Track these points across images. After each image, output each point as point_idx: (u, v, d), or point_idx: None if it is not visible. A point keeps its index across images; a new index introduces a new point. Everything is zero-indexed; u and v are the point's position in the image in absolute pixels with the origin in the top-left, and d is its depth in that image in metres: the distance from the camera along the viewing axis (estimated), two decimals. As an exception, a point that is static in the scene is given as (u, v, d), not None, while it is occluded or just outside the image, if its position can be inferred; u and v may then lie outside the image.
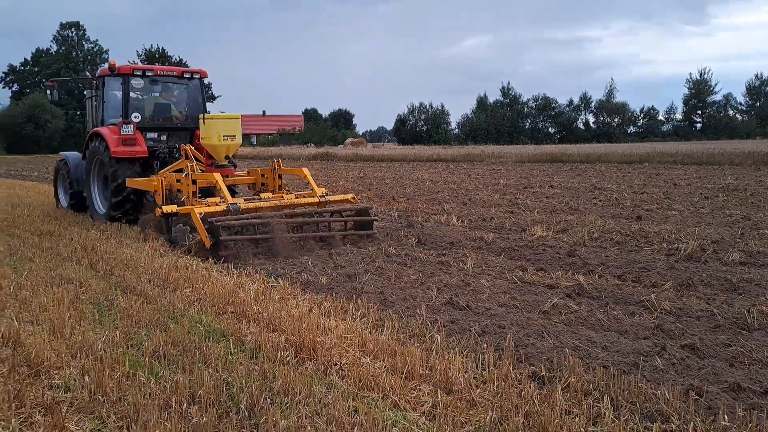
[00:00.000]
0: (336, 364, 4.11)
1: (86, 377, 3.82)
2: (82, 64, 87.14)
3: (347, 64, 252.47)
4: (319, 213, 8.86)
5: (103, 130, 10.64)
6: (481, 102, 77.12)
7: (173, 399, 3.52)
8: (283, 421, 3.26)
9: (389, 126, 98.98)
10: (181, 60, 60.19)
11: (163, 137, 11.27)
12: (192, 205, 8.41)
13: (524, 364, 4.13)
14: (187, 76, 11.63)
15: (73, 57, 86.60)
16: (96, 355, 4.19)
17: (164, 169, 10.00)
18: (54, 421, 3.30)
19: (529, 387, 3.68)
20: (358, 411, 3.43)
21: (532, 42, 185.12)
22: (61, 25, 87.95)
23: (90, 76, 12.51)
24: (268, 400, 3.53)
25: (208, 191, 9.37)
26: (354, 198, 9.70)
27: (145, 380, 3.83)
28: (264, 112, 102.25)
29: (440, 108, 75.73)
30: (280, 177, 10.25)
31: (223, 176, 9.21)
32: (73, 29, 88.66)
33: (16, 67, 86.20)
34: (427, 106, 75.72)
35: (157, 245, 8.25)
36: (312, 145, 60.07)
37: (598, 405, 3.50)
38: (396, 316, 5.10)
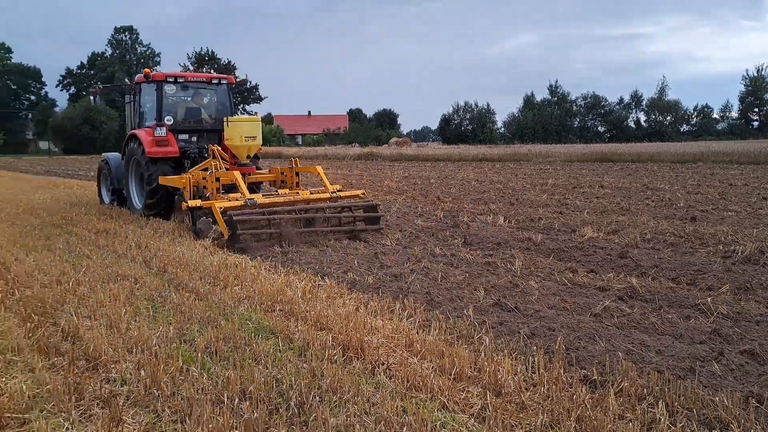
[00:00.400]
0: (383, 364, 4.12)
1: (142, 371, 3.93)
2: (135, 67, 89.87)
3: (391, 64, 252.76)
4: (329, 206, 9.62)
5: (140, 133, 11.53)
6: (528, 101, 76.19)
7: (225, 394, 3.59)
8: (332, 419, 3.29)
9: (434, 126, 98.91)
10: (229, 62, 61.44)
11: (194, 138, 12.00)
12: (215, 200, 9.04)
13: (575, 367, 4.06)
14: (215, 81, 12.45)
15: (126, 60, 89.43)
16: (151, 350, 4.30)
17: (193, 168, 10.58)
18: (111, 414, 3.40)
19: (581, 391, 3.61)
20: (406, 411, 3.42)
21: (580, 39, 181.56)
22: (116, 29, 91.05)
23: (129, 83, 13.43)
24: (317, 398, 3.56)
25: (233, 187, 9.89)
26: (364, 194, 10.58)
27: (197, 375, 3.91)
28: (309, 112, 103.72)
29: (486, 107, 75.17)
30: (297, 174, 11.06)
31: (244, 174, 10.10)
32: (126, 33, 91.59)
33: (73, 70, 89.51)
34: (473, 105, 75.28)
35: (207, 243, 8.44)
36: (356, 144, 60.36)
37: (653, 410, 3.40)
38: (443, 317, 5.07)
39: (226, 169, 10.02)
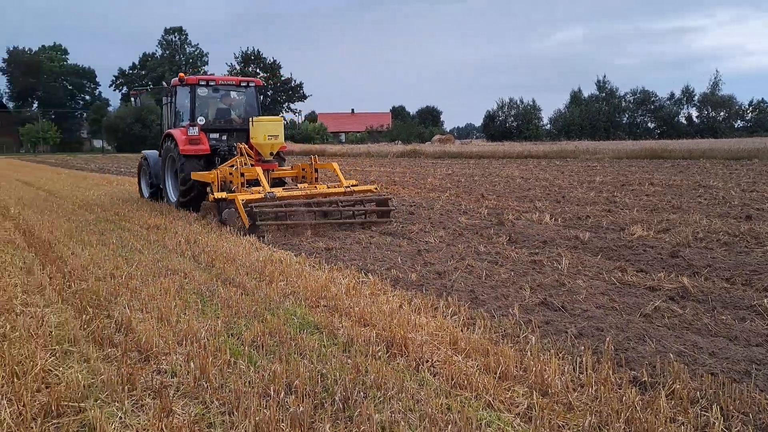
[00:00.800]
0: (427, 361, 4.11)
1: (191, 363, 4.01)
2: (184, 67, 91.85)
3: (435, 61, 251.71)
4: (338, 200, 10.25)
5: (174, 132, 12.52)
6: (575, 96, 74.59)
7: (272, 388, 3.63)
8: (376, 415, 3.29)
9: (477, 122, 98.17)
10: (274, 61, 62.24)
11: (224, 137, 12.90)
12: (238, 193, 9.82)
13: (624, 368, 3.97)
14: (244, 84, 13.40)
15: (176, 60, 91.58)
16: (200, 343, 4.39)
17: (222, 164, 11.38)
18: (162, 405, 3.48)
19: (630, 392, 3.53)
20: (451, 409, 3.41)
21: (629, 34, 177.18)
22: (166, 30, 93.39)
23: (166, 86, 14.33)
24: (362, 394, 3.58)
25: (258, 181, 10.53)
26: (376, 188, 11.34)
27: (245, 368, 3.98)
28: (353, 110, 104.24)
29: (531, 103, 73.97)
30: (316, 170, 11.64)
31: (268, 170, 11.08)
32: (176, 34, 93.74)
33: (126, 70, 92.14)
34: (518, 101, 74.17)
35: (253, 239, 8.58)
36: (399, 142, 60.33)
37: (707, 414, 3.30)
38: (488, 315, 5.03)
39: (252, 165, 10.76)
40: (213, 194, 10.32)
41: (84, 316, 5.13)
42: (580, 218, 10.20)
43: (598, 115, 69.95)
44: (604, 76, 77.03)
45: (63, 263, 7.19)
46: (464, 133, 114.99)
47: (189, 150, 11.96)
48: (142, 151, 15.80)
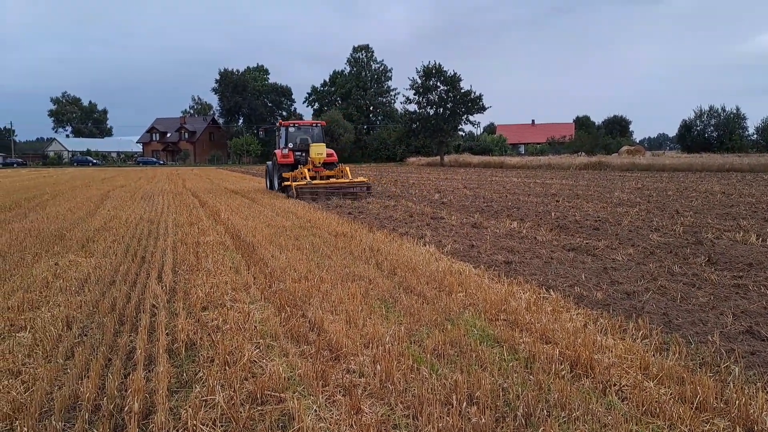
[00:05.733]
0: (615, 385, 3.92)
1: (377, 366, 4.23)
2: (370, 83, 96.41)
3: (624, 68, 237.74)
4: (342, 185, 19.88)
5: (277, 151, 23.61)
6: (789, 102, 66.20)
7: (453, 397, 3.71)
8: (560, 435, 3.22)
9: (671, 132, 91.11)
10: (455, 74, 62.51)
11: (303, 154, 22.58)
12: (294, 181, 20.00)
13: None
14: (315, 125, 24.65)
15: (362, 77, 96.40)
16: (384, 347, 4.60)
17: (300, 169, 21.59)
18: (352, 403, 3.71)
19: None
20: (641, 437, 3.23)
21: None
22: (354, 48, 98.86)
23: (276, 125, 25.35)
24: (545, 412, 3.52)
25: (313, 177, 20.57)
26: (368, 180, 21.39)
27: (427, 375, 4.10)
28: (533, 121, 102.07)
29: (735, 111, 66.95)
30: (341, 171, 21.21)
31: (317, 171, 20.80)
32: (363, 52, 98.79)
33: (317, 87, 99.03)
34: (719, 109, 67.53)
35: (432, 249, 8.78)
36: (583, 153, 57.83)
37: None
38: (683, 341, 4.67)
39: (309, 169, 20.62)
40: (285, 182, 21.05)
41: (282, 314, 5.63)
42: (796, 240, 9.05)
43: (818, 124, 61.26)
44: (828, 79, 67.20)
45: (264, 265, 7.92)
46: (656, 144, 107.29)
47: (282, 161, 22.62)
48: (267, 163, 26.67)
